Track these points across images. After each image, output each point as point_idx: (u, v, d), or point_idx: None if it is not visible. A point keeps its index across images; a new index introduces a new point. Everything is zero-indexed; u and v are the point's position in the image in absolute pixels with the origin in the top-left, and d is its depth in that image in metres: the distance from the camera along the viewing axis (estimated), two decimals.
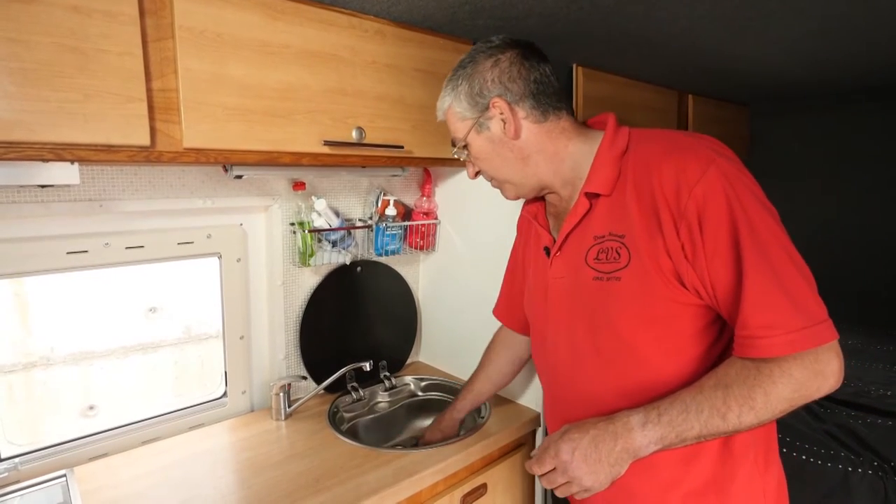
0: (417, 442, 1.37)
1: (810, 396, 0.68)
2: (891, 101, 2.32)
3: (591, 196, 0.83)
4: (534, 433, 1.38)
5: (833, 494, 1.31)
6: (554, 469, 0.76)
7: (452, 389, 1.57)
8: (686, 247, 0.72)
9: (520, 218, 1.14)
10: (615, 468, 0.74)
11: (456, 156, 0.95)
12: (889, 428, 1.42)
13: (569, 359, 0.89)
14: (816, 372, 0.67)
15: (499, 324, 1.26)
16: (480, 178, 0.98)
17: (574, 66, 1.64)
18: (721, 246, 0.70)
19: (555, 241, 0.91)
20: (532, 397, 1.39)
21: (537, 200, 0.98)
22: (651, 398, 0.77)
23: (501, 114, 0.85)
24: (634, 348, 0.79)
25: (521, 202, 1.12)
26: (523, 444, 1.36)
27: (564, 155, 0.87)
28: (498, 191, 0.97)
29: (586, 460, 0.73)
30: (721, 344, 0.79)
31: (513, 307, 1.19)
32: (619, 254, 0.79)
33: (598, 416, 0.78)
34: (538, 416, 1.36)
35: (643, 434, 0.72)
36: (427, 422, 1.52)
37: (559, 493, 0.78)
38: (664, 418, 0.72)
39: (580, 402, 0.88)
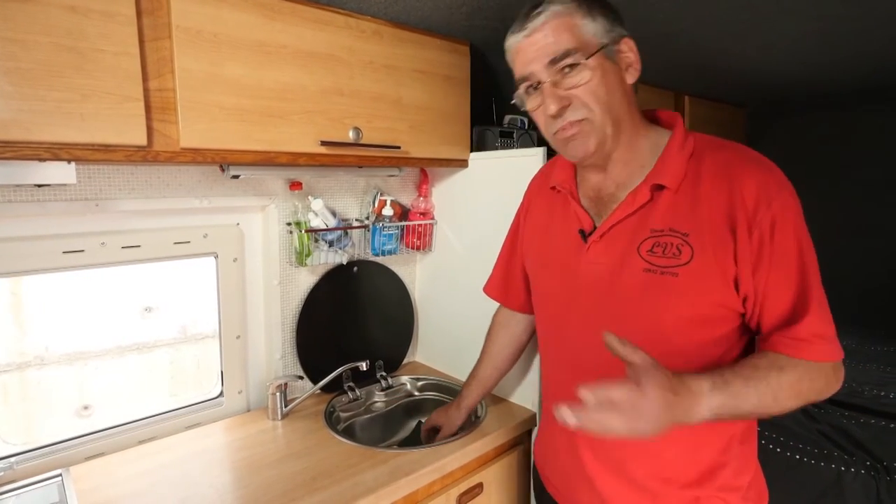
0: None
1: (829, 394, 0.77)
2: (889, 102, 2.32)
3: (656, 188, 0.82)
4: (529, 433, 1.38)
5: (826, 494, 1.32)
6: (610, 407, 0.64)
7: (449, 389, 1.58)
8: (754, 253, 0.75)
9: (535, 187, 1.07)
10: (671, 422, 0.66)
11: (543, 78, 0.80)
12: (882, 428, 1.43)
13: (595, 344, 0.82)
14: (838, 377, 0.78)
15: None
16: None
17: None
18: (787, 258, 0.75)
19: (595, 227, 0.87)
20: (528, 397, 1.40)
21: (566, 172, 0.94)
22: None
23: (630, 54, 0.81)
24: (671, 341, 0.79)
25: (518, 201, 1.12)
26: (519, 444, 1.36)
27: (640, 136, 0.86)
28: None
29: (662, 403, 0.64)
30: (738, 348, 0.83)
31: (510, 283, 1.15)
32: (679, 251, 0.78)
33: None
34: (534, 415, 1.37)
35: (708, 398, 0.69)
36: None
37: (594, 427, 0.64)
38: (730, 388, 0.70)
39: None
